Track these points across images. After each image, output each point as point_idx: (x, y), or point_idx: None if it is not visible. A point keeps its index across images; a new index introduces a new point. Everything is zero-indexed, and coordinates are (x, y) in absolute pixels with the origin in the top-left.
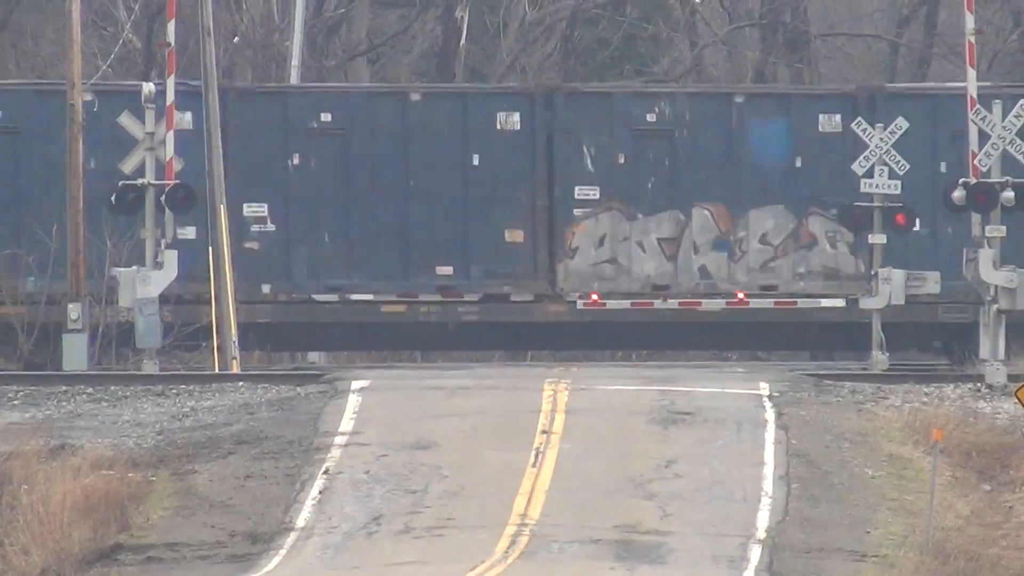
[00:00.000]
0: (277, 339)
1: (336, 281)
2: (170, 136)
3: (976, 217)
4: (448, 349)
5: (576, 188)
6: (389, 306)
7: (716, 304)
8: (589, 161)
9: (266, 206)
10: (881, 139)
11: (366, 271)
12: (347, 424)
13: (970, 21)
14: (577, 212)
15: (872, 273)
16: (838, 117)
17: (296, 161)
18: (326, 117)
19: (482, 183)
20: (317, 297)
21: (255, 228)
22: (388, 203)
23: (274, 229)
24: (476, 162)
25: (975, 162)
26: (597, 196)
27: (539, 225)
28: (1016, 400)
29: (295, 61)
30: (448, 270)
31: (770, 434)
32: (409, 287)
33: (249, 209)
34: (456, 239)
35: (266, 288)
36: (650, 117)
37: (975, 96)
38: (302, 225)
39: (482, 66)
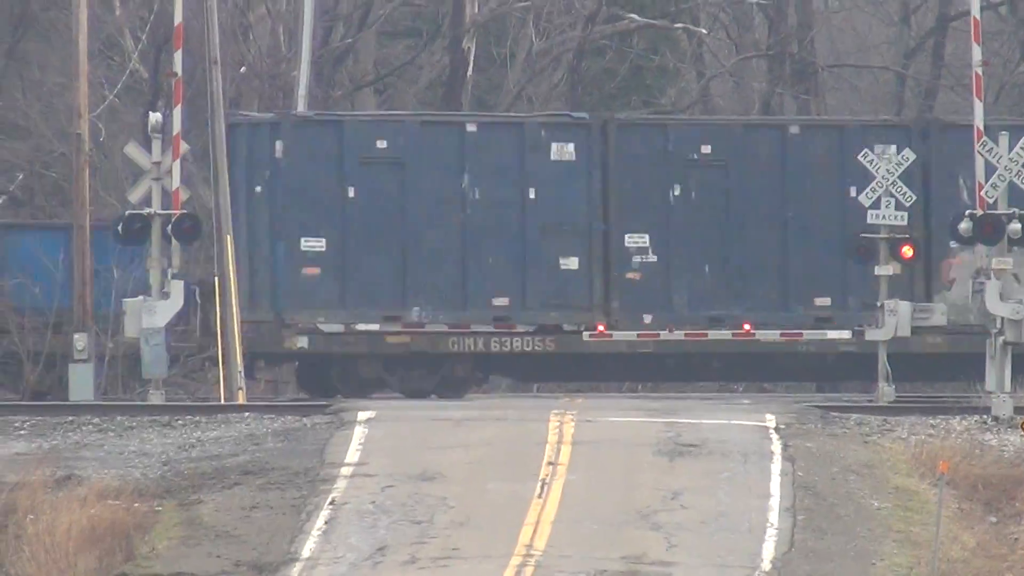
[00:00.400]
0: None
1: (715, 312)
2: (176, 166)
3: (983, 249)
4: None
5: None
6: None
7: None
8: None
9: (647, 236)
10: (888, 170)
11: (742, 302)
12: (353, 455)
13: (977, 53)
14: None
15: (878, 305)
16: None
17: (677, 192)
18: (705, 149)
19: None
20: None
21: (636, 259)
22: (764, 236)
23: (655, 259)
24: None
25: (981, 193)
26: None
27: None
28: (1022, 432)
29: (302, 91)
30: (827, 301)
31: (776, 466)
32: (788, 317)
33: (630, 239)
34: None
35: (647, 318)
36: None
37: (982, 128)
38: (681, 256)
39: (489, 96)
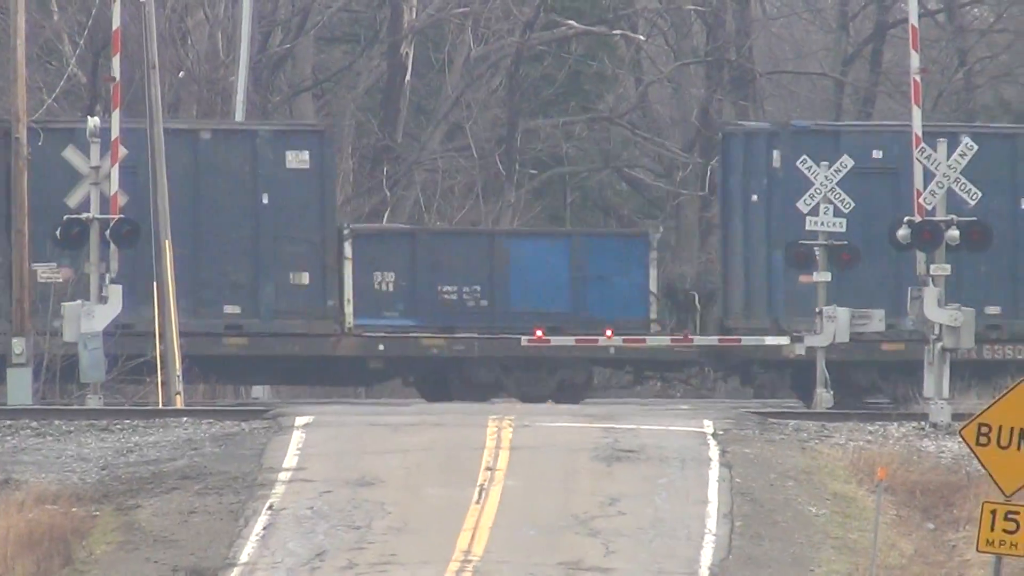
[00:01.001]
0: None
1: None
2: (115, 171)
3: (921, 255)
4: None
5: None
6: None
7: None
8: None
9: None
10: (826, 177)
11: None
12: (291, 460)
13: (915, 60)
14: None
15: (816, 311)
16: None
17: None
18: None
19: None
20: None
21: None
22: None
23: None
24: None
25: (920, 200)
26: None
27: None
28: (961, 439)
29: (240, 96)
30: None
31: (714, 472)
32: None
33: None
34: None
35: None
36: None
37: (920, 134)
38: None
39: (427, 102)
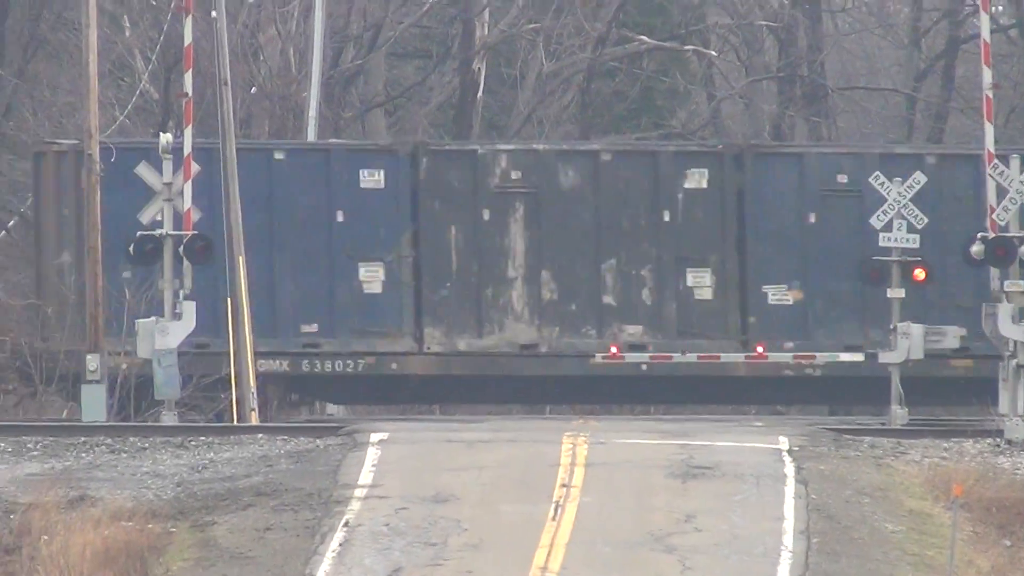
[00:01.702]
0: None
1: None
2: (188, 187)
3: (995, 272)
4: None
5: None
6: None
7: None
8: None
9: None
10: (899, 193)
11: None
12: (366, 476)
13: (988, 75)
14: None
15: (891, 327)
16: None
17: None
18: None
19: None
20: None
21: None
22: None
23: None
24: None
25: (993, 216)
26: None
27: None
28: None
29: (312, 112)
30: None
31: (790, 488)
32: None
33: None
34: None
35: None
36: None
37: (992, 150)
38: None
39: (499, 118)
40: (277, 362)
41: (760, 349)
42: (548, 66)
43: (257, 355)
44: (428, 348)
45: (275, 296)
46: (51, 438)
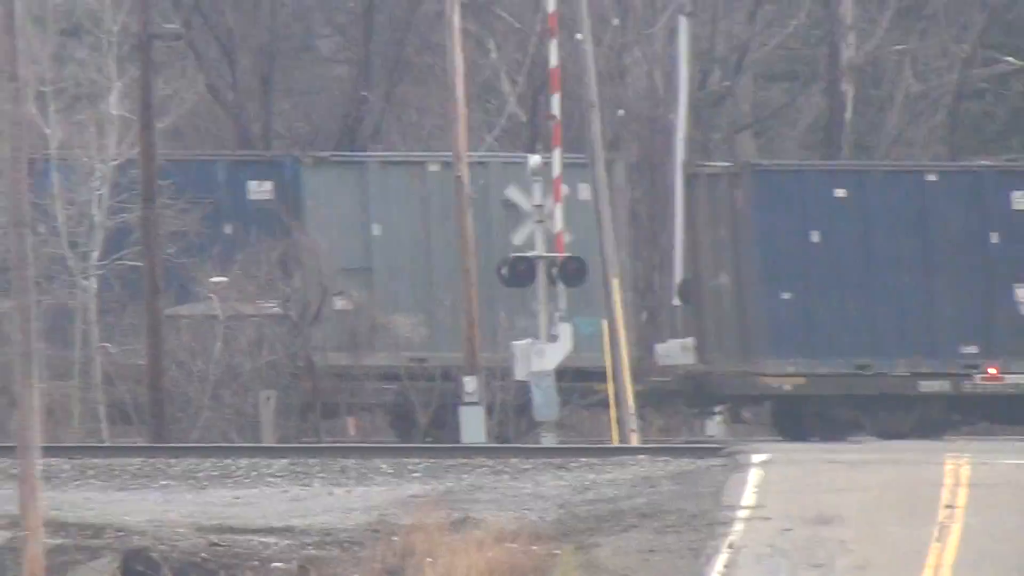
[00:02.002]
0: None
1: None
2: (558, 209)
3: None
4: None
5: None
6: None
7: None
8: None
9: None
10: None
11: None
12: (749, 497)
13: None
14: None
15: None
16: None
17: None
18: None
19: None
20: None
21: None
22: None
23: None
24: None
25: None
26: None
27: None
28: None
29: (681, 134)
30: None
31: None
32: None
33: None
34: None
35: None
36: None
37: None
38: None
39: (867, 139)
40: (938, 383)
41: None
42: (915, 86)
43: (916, 376)
44: None
45: (932, 316)
46: (432, 459)
